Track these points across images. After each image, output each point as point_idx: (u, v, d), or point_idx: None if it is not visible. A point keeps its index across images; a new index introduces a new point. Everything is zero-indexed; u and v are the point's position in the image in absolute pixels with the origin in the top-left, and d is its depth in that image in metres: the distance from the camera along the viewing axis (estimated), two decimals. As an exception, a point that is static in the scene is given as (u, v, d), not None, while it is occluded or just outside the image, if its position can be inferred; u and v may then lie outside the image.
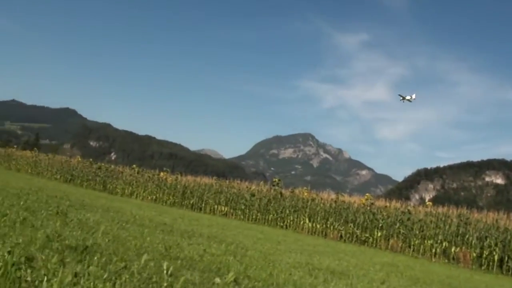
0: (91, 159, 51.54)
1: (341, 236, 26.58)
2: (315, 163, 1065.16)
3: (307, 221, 29.71)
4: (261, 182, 36.89)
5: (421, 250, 22.33)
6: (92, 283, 3.30)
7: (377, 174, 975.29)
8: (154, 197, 39.76)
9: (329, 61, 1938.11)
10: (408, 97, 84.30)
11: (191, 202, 37.26)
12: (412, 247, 22.71)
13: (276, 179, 34.69)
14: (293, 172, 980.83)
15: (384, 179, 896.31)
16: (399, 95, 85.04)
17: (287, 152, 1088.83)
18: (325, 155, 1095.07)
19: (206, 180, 39.40)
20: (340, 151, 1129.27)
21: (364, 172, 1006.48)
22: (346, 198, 30.36)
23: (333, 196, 31.06)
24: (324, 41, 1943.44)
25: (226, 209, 34.99)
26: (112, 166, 47.43)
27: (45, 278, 3.26)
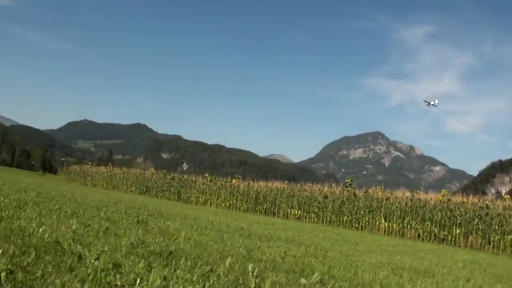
0: (164, 171, 52.61)
1: (418, 235, 25.92)
2: (386, 161, 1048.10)
3: (382, 221, 29.17)
4: (333, 184, 36.50)
5: (501, 246, 21.43)
6: (181, 286, 3.28)
7: (451, 169, 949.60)
8: (227, 204, 40.13)
9: (394, 56, 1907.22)
10: (432, 103, 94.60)
11: (264, 207, 37.34)
12: (491, 243, 21.82)
13: (349, 180, 34.23)
14: (364, 172, 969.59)
15: (458, 174, 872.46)
16: (424, 100, 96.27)
17: (357, 152, 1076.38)
18: (396, 153, 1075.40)
19: (278, 184, 39.40)
20: (411, 148, 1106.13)
21: (437, 168, 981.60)
22: (422, 195, 29.51)
23: (408, 194, 30.31)
24: (387, 36, 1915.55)
25: (299, 212, 34.83)
26: (185, 176, 48.18)
27: (138, 281, 3.27)
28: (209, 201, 42.00)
